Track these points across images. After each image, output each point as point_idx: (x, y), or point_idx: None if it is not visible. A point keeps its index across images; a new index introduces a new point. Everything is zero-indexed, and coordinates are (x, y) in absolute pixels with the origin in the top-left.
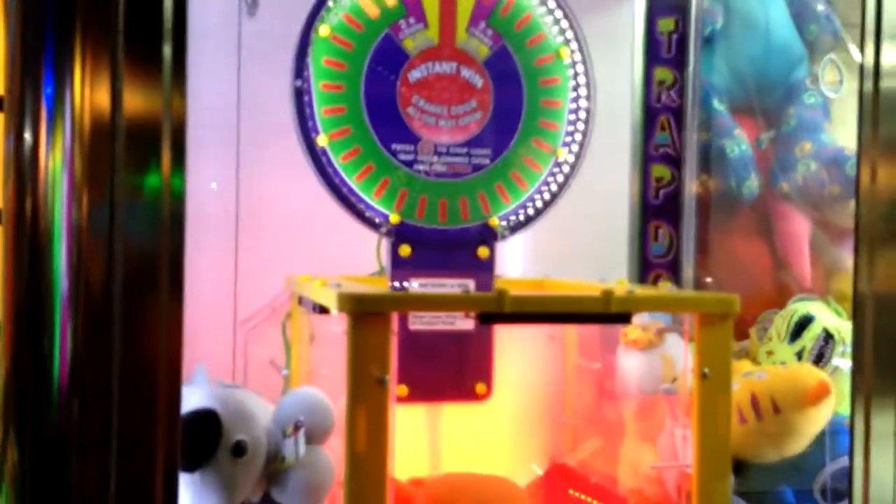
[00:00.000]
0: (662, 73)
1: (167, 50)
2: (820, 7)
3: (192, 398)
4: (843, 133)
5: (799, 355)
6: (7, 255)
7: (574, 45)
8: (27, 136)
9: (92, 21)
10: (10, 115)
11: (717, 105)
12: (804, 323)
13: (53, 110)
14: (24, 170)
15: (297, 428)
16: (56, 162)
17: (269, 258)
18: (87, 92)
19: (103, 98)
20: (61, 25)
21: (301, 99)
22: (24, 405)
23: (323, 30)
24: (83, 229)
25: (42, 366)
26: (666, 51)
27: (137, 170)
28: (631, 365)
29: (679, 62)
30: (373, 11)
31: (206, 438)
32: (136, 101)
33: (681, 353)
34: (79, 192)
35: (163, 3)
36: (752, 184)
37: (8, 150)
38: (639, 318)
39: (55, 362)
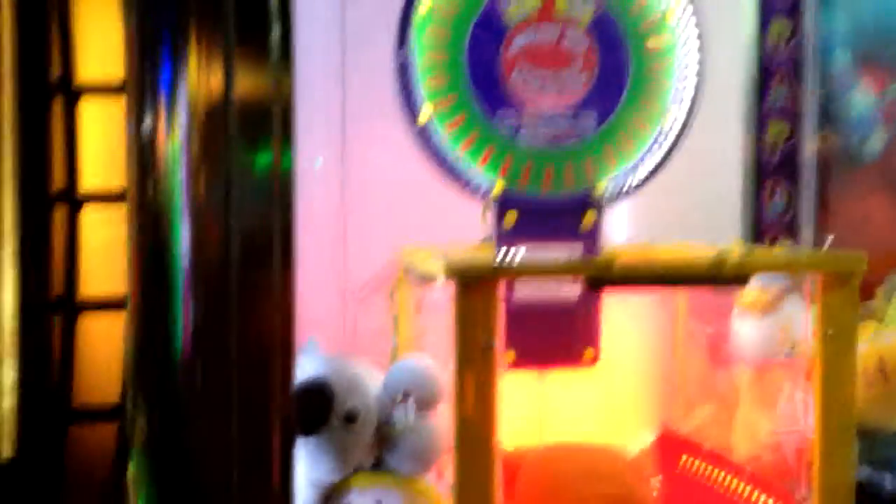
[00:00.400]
0: (779, 25)
1: (275, 33)
2: None
3: (306, 368)
4: None
5: None
6: (131, 231)
7: (683, 3)
8: (147, 119)
9: (205, 7)
10: (131, 99)
11: (839, 57)
12: None
13: (171, 94)
14: (145, 151)
15: (406, 395)
16: (174, 143)
17: (377, 230)
18: (202, 75)
19: (217, 81)
20: (176, 12)
21: (405, 71)
22: (150, 375)
23: (426, 1)
24: (201, 207)
25: (166, 337)
26: (782, 1)
27: (250, 149)
28: (747, 330)
29: (796, 12)
30: None
31: (319, 406)
32: (246, 83)
33: (801, 317)
34: (196, 171)
35: None
36: (878, 139)
37: (130, 132)
38: (756, 281)
39: (178, 334)
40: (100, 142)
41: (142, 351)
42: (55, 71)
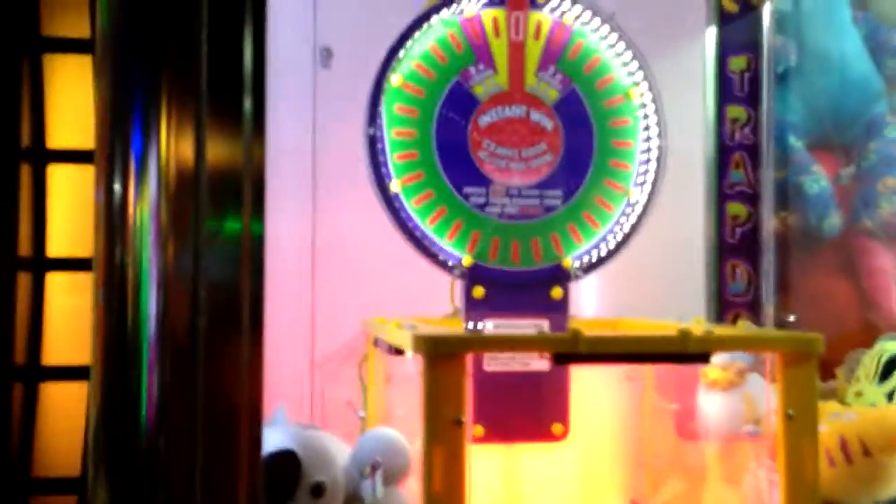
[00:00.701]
0: (735, 111)
1: (247, 104)
2: None
3: (273, 439)
4: None
5: (890, 396)
6: (97, 299)
7: (644, 86)
8: (116, 187)
9: (177, 77)
10: (101, 166)
11: (794, 142)
12: (894, 362)
13: (141, 161)
14: (114, 219)
15: (374, 469)
16: (144, 211)
17: (346, 300)
18: (173, 144)
19: (188, 149)
20: (148, 83)
21: (374, 146)
22: (114, 446)
23: (395, 79)
24: (169, 275)
25: (130, 407)
26: (738, 89)
27: (220, 217)
28: (712, 406)
29: (752, 100)
30: (443, 59)
31: (286, 479)
32: (218, 152)
33: (763, 394)
34: (165, 239)
35: (243, 58)
36: (833, 220)
37: (98, 200)
38: (719, 358)
39: (143, 404)
40: (67, 209)
41: (105, 421)
42: (25, 137)
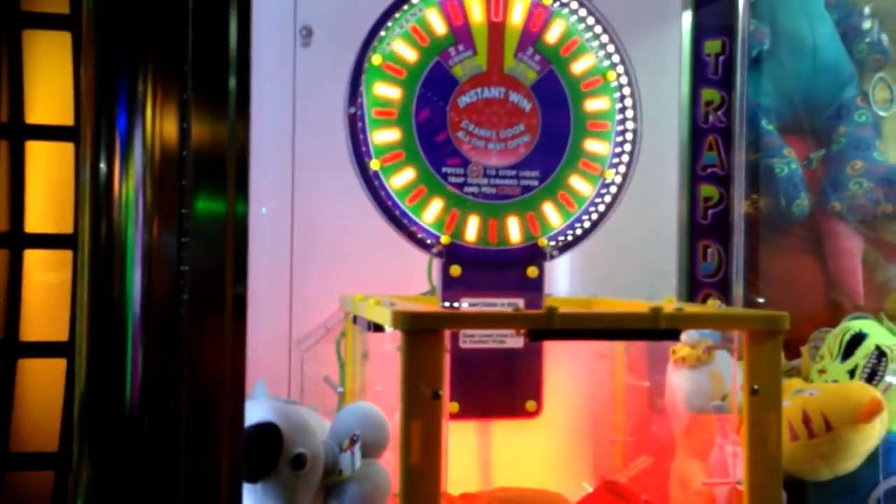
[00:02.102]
0: (710, 94)
1: (232, 82)
2: (868, 26)
3: (255, 412)
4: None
5: (851, 373)
6: (82, 277)
7: (620, 69)
8: (102, 165)
9: (162, 56)
10: (86, 144)
11: (766, 125)
12: (857, 341)
13: (126, 142)
14: (99, 197)
15: (353, 442)
16: (129, 190)
17: (325, 278)
18: (158, 124)
19: (172, 129)
20: (133, 62)
21: (354, 125)
22: (98, 423)
23: (375, 58)
24: (154, 253)
25: (115, 385)
26: (713, 72)
27: (204, 196)
28: (680, 382)
29: (726, 83)
30: (423, 40)
31: (267, 450)
32: (202, 132)
33: (731, 371)
34: (149, 217)
35: (228, 38)
36: (803, 202)
37: (83, 178)
38: (687, 336)
39: (127, 382)
40: (46, 185)
41: (90, 398)
42: (3, 113)
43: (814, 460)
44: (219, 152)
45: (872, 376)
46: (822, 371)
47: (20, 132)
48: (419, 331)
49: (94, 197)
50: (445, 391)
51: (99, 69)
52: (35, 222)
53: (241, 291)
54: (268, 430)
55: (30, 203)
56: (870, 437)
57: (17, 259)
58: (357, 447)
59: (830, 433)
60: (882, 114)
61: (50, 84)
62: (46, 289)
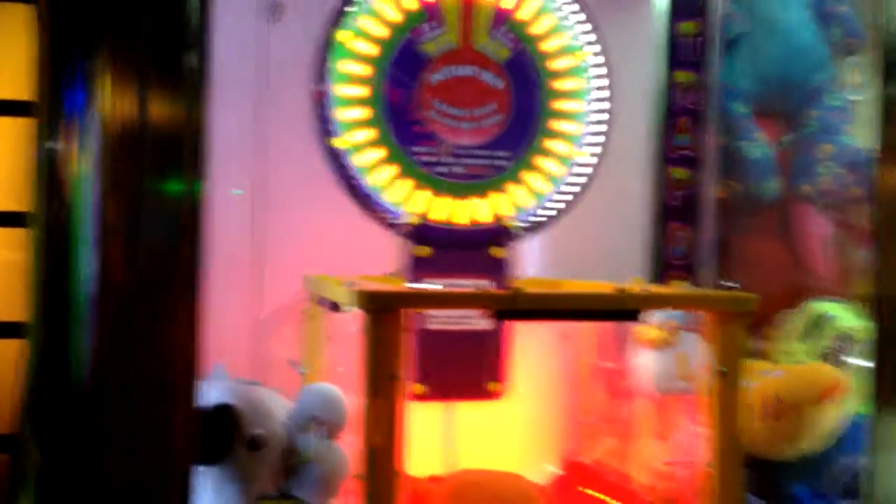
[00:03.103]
0: (683, 76)
1: (192, 59)
2: (843, 10)
3: (211, 394)
4: (866, 135)
5: (818, 355)
6: (35, 255)
7: (593, 49)
8: (58, 143)
9: (119, 32)
10: (42, 122)
11: (739, 107)
12: (821, 322)
13: (83, 117)
14: (54, 175)
15: (316, 422)
16: (84, 167)
17: (289, 258)
18: (115, 100)
19: (130, 106)
20: (90, 36)
21: (322, 103)
22: (48, 404)
23: (343, 35)
24: (108, 232)
25: (66, 364)
26: (687, 54)
27: (161, 175)
28: (646, 364)
29: (700, 65)
30: (393, 16)
31: (223, 432)
32: (160, 109)
33: (696, 353)
34: (105, 196)
35: (187, 14)
36: (773, 185)
37: (39, 155)
38: (654, 317)
39: (80, 361)
40: (2, 162)
41: (41, 379)
42: None
43: (779, 439)
44: (177, 130)
45: (836, 357)
46: (786, 352)
47: None
48: (379, 310)
49: (49, 174)
50: (407, 372)
51: (55, 44)
52: None
53: (197, 272)
54: (223, 412)
55: None
56: (832, 416)
57: None
58: (322, 430)
59: (794, 413)
60: (854, 98)
61: (7, 58)
62: (2, 267)
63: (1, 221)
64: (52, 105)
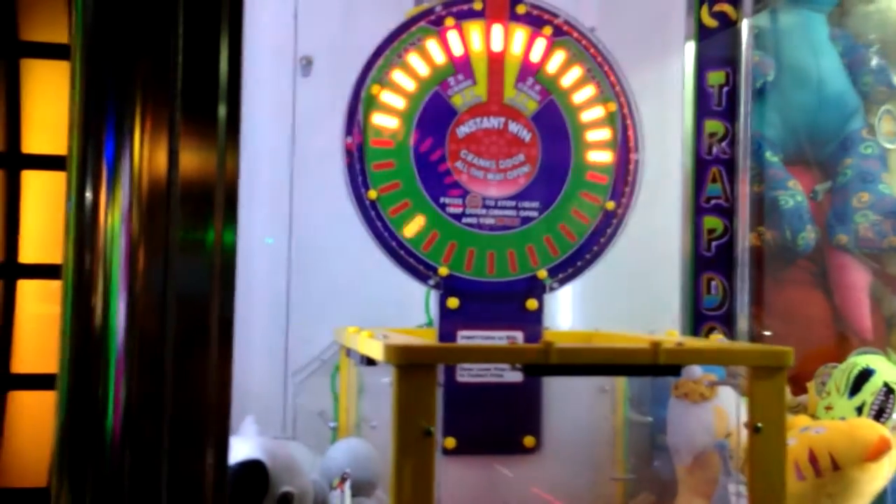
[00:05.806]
0: (713, 126)
1: (222, 111)
2: (875, 59)
3: (241, 449)
4: None
5: (859, 410)
6: (66, 306)
7: (622, 100)
8: (88, 194)
9: (151, 85)
10: (73, 173)
11: (770, 157)
12: (864, 377)
13: (113, 170)
14: (85, 226)
15: (343, 480)
16: (115, 219)
17: (320, 310)
18: (146, 153)
19: (161, 158)
20: (121, 88)
21: (352, 155)
22: (78, 456)
23: (374, 88)
24: (139, 284)
25: (96, 417)
26: (716, 103)
27: (191, 227)
28: (682, 418)
29: (730, 114)
30: (422, 69)
31: (252, 489)
32: (191, 160)
33: (735, 407)
34: (135, 247)
35: (218, 67)
36: (808, 235)
37: (69, 207)
38: (689, 372)
39: (109, 413)
40: (41, 215)
41: (71, 431)
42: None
43: (821, 500)
44: (207, 181)
45: (880, 414)
46: (828, 408)
47: (16, 162)
48: (411, 365)
49: (80, 225)
50: (439, 427)
51: (87, 96)
52: (30, 252)
53: (229, 324)
54: (253, 468)
55: (25, 233)
56: (878, 476)
57: (10, 289)
58: (347, 485)
59: (838, 472)
60: (888, 146)
61: (47, 113)
62: (39, 320)
63: (41, 274)
64: (84, 157)
